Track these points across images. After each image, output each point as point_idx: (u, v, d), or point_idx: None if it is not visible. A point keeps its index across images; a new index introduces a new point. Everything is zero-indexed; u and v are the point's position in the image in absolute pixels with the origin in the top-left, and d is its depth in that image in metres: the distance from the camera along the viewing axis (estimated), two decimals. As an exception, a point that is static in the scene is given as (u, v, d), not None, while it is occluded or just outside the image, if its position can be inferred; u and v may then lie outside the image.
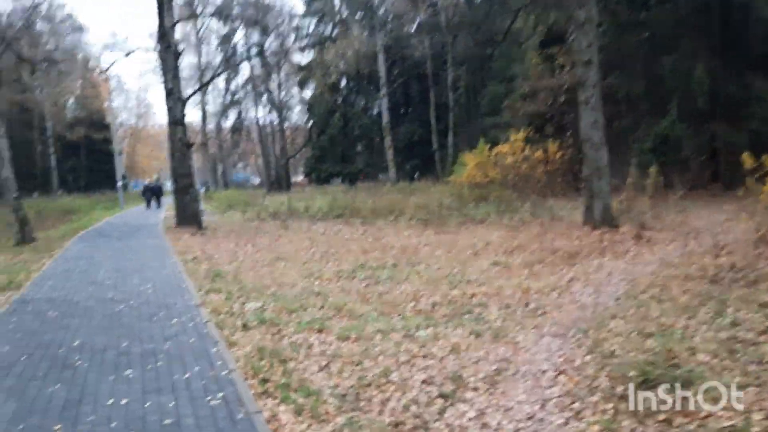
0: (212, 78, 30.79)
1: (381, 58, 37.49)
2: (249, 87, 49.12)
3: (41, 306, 7.17)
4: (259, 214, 20.50)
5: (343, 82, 45.42)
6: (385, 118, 38.02)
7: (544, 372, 4.36)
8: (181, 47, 19.67)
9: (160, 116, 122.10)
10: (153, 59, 45.14)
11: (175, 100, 17.19)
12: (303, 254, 11.09)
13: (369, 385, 4.24)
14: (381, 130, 39.41)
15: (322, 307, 6.58)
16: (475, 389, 4.11)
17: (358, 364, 4.66)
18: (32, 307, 7.14)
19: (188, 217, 17.15)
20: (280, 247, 12.39)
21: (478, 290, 7.06)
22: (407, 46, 37.31)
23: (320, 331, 5.65)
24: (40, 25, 36.73)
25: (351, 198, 21.95)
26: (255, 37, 46.75)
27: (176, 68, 17.50)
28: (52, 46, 40.91)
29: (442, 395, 4.00)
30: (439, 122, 36.92)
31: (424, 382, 4.24)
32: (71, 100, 52.54)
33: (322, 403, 3.94)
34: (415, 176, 37.24)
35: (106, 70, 41.77)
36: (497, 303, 6.46)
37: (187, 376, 4.46)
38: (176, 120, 17.20)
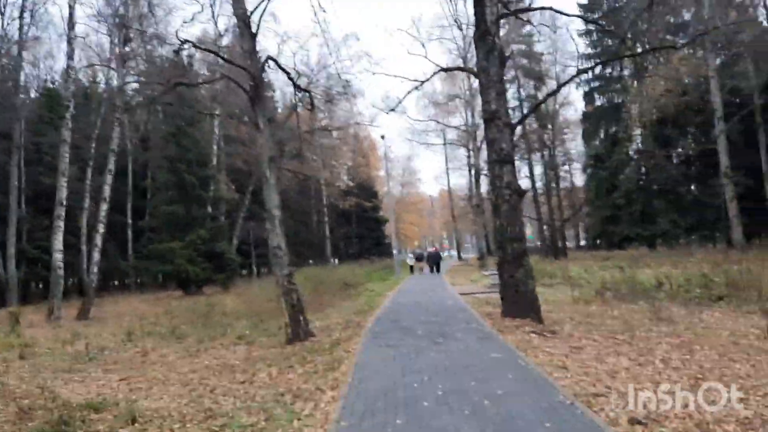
0: (523, 118, 25.81)
1: (714, 84, 27.88)
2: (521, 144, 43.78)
3: None
4: (595, 292, 14.30)
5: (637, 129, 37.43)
6: (724, 162, 27.72)
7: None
8: (507, 50, 14.15)
9: (424, 184, 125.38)
10: (423, 118, 42.69)
11: (500, 127, 11.33)
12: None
13: None
14: (690, 182, 32.96)
15: None
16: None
17: None
18: None
19: (520, 302, 10.73)
20: (714, 364, 6.17)
21: None
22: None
23: None
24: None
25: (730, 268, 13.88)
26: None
27: (502, 81, 11.77)
28: (327, 116, 41.24)
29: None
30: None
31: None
32: (344, 170, 53.47)
33: None
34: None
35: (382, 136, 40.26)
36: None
37: None
38: (502, 157, 11.26)
